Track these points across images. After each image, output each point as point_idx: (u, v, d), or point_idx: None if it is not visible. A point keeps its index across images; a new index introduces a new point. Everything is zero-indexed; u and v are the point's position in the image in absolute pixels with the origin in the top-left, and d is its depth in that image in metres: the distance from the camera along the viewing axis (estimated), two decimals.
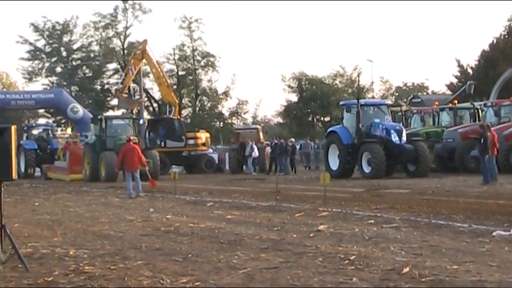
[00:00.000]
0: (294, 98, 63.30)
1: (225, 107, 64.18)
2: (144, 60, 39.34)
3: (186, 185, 24.02)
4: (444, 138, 28.87)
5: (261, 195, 18.69)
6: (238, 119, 64.07)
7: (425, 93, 65.98)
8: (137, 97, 51.85)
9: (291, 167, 35.35)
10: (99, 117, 33.35)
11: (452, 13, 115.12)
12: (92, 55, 63.38)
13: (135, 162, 20.67)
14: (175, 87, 56.51)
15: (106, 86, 63.38)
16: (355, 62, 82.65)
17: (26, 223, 13.45)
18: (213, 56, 61.55)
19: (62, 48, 62.81)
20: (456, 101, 33.66)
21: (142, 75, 47.68)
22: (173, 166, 36.32)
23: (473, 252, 8.59)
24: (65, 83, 60.46)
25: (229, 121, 63.47)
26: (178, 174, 24.99)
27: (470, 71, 53.81)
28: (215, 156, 40.60)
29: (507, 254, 8.45)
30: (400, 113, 32.46)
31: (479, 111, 30.36)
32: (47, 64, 62.64)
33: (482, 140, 21.63)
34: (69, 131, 45.40)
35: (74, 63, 63.24)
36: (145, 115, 51.47)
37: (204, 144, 38.22)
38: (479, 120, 28.98)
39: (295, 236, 10.50)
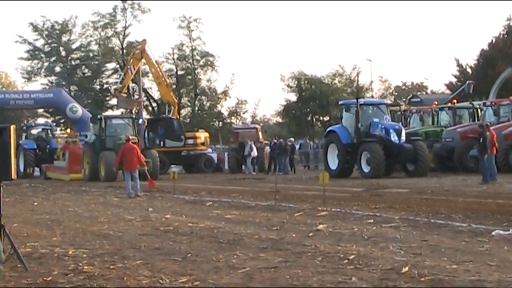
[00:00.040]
0: (293, 97, 63.36)
1: (224, 107, 64.20)
2: (143, 60, 39.31)
3: (185, 185, 24.02)
4: (443, 137, 28.87)
5: (260, 195, 18.70)
6: (237, 118, 64.05)
7: (424, 93, 65.97)
8: (136, 97, 51.91)
9: (290, 166, 35.35)
10: (98, 116, 33.34)
11: (451, 12, 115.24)
12: (91, 55, 63.32)
13: (134, 162, 20.65)
14: (174, 86, 56.47)
15: (105, 86, 63.30)
16: (354, 62, 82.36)
17: (25, 223, 13.45)
18: (212, 55, 61.54)
19: (61, 48, 62.73)
20: (455, 101, 33.66)
21: (141, 74, 47.70)
22: (172, 166, 36.30)
23: (472, 251, 8.60)
24: (64, 83, 60.41)
25: (229, 121, 63.43)
26: (178, 173, 24.99)
27: (469, 70, 53.84)
28: (214, 156, 40.60)
29: (506, 253, 8.46)
30: (399, 113, 32.44)
31: (479, 110, 30.36)
32: (46, 64, 62.55)
33: (481, 140, 21.65)
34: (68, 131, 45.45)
35: (73, 62, 63.18)
36: (145, 115, 51.45)
37: (203, 144, 38.21)
38: (478, 120, 28.98)
39: (294, 235, 10.50)
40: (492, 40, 52.50)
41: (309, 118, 63.79)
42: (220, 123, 63.06)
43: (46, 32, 61.97)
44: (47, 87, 58.57)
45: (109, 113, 56.58)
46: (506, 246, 8.93)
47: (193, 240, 10.38)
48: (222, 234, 10.90)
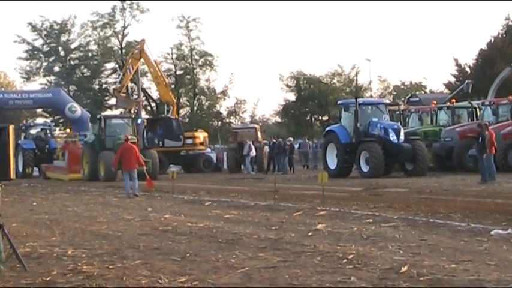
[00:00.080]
0: (292, 97, 63.32)
1: (223, 106, 64.18)
2: (142, 60, 39.33)
3: (184, 185, 24.01)
4: (442, 137, 28.88)
5: (259, 195, 18.69)
6: (236, 118, 64.02)
7: (423, 92, 65.87)
8: (135, 96, 51.84)
9: (289, 166, 35.35)
10: (98, 116, 33.33)
11: (450, 12, 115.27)
12: (90, 54, 63.28)
13: (132, 162, 20.63)
14: (173, 86, 56.44)
15: (104, 86, 63.24)
16: (353, 61, 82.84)
17: (24, 223, 13.44)
18: (211, 55, 61.50)
19: (60, 48, 62.69)
20: (454, 100, 33.65)
21: (140, 74, 47.66)
22: (171, 165, 36.32)
23: (471, 251, 8.60)
24: (62, 83, 60.38)
25: (227, 120, 63.43)
26: (177, 173, 24.99)
27: (468, 70, 53.81)
28: (213, 156, 40.60)
29: (505, 252, 8.46)
30: (398, 112, 32.45)
31: (477, 110, 30.37)
32: (44, 63, 62.50)
33: (480, 139, 21.65)
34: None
35: (71, 62, 63.14)
36: (143, 114, 51.39)
37: (202, 144, 38.20)
38: (477, 119, 28.98)
39: (293, 235, 10.50)
40: (491, 40, 52.48)
41: (308, 118, 63.76)
42: (219, 123, 63.03)
43: (45, 32, 61.93)
44: (46, 87, 58.54)
45: (108, 112, 56.59)
46: (505, 246, 8.93)
47: (192, 240, 10.37)
48: (221, 234, 10.89)
